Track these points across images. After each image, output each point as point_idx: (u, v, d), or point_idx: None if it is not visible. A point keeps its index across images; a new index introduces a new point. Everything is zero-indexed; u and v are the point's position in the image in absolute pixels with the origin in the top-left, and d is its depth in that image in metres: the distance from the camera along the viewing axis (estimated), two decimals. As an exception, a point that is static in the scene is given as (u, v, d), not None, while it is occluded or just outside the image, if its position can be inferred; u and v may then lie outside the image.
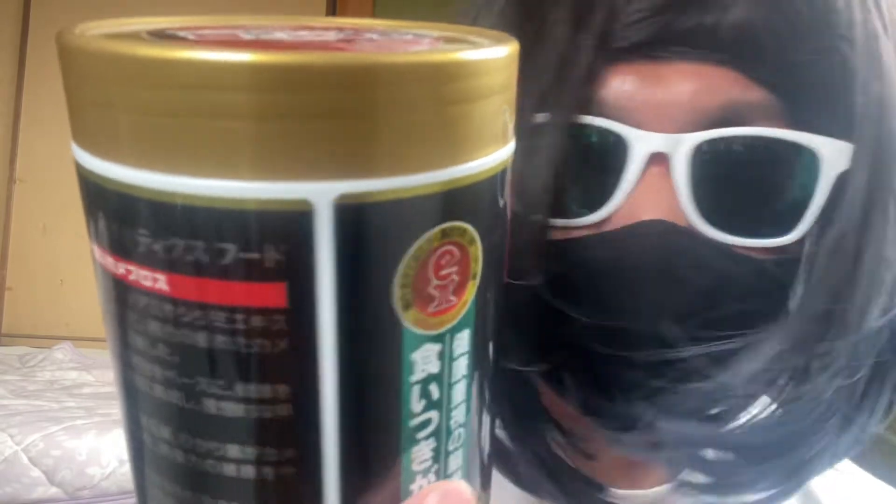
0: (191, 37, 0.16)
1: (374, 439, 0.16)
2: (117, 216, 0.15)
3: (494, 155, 0.17)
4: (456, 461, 0.18)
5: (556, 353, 0.32)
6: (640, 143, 0.30)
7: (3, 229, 2.19)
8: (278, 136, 0.14)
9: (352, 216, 0.15)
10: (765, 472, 0.33)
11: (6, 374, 1.90)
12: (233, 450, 0.16)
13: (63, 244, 2.16)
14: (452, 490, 0.17)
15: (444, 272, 0.16)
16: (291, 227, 0.14)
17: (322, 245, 0.15)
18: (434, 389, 0.17)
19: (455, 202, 0.16)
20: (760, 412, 0.33)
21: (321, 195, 0.14)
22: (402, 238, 0.15)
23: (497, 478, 0.35)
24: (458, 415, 0.18)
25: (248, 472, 0.16)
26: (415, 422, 0.17)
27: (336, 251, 0.15)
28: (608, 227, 0.31)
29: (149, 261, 0.15)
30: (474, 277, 0.17)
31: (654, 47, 0.30)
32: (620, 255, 0.31)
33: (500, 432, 0.35)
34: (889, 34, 0.30)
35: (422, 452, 0.17)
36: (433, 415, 0.17)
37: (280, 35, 0.17)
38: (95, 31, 0.17)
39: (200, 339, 0.15)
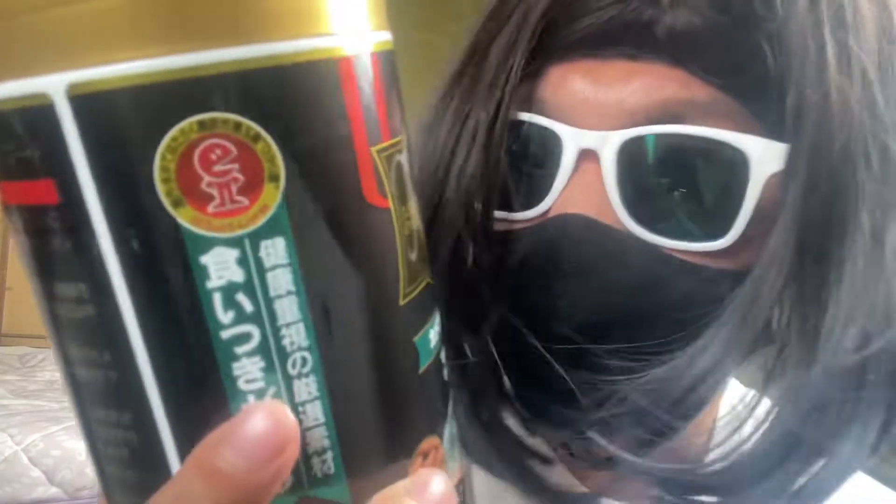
0: None
1: (181, 344, 0.16)
2: None
3: (267, 45, 0.15)
4: (306, 389, 0.17)
5: (500, 345, 0.32)
6: (572, 140, 0.30)
7: (3, 229, 2.19)
8: (11, 32, 0.14)
9: (89, 105, 0.15)
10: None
11: (6, 374, 1.90)
12: (73, 350, 0.17)
13: (63, 244, 2.15)
14: (264, 407, 0.16)
15: (217, 168, 0.15)
16: (39, 122, 0.15)
17: (71, 138, 0.15)
18: (244, 300, 0.16)
19: (212, 91, 0.15)
20: (735, 447, 0.30)
21: (54, 87, 0.15)
22: (150, 128, 0.15)
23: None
24: (294, 335, 0.16)
25: (86, 374, 0.17)
26: (227, 334, 0.16)
27: (85, 144, 0.15)
28: (540, 222, 0.31)
29: None
30: (274, 179, 0.16)
31: (593, 45, 0.30)
32: (537, 248, 0.31)
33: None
34: (832, 33, 0.28)
35: (246, 370, 0.16)
36: (250, 328, 0.16)
37: None
38: None
39: (24, 242, 0.16)
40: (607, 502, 0.36)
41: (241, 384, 0.16)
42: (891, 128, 0.28)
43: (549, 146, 0.31)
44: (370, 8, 0.18)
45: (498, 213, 0.32)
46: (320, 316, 0.17)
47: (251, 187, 0.15)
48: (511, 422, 0.34)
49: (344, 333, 0.17)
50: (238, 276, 0.16)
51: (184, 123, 0.15)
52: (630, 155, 0.29)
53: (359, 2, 0.17)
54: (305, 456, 0.17)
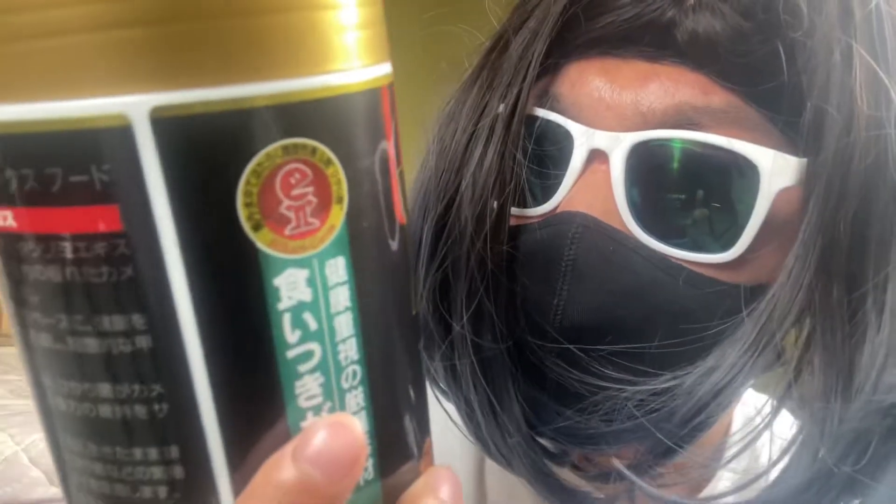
0: None
1: (246, 369, 0.16)
2: None
3: (340, 75, 0.16)
4: (355, 400, 0.17)
5: (505, 342, 0.31)
6: (584, 139, 0.30)
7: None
8: (87, 49, 0.14)
9: (172, 129, 0.14)
10: None
11: (6, 374, 1.90)
12: (104, 390, 0.16)
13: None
14: (339, 423, 0.16)
15: (296, 192, 0.15)
16: (112, 144, 0.14)
17: (148, 162, 0.14)
18: (310, 319, 0.16)
19: (295, 117, 0.15)
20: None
21: (136, 108, 0.14)
22: (237, 153, 0.15)
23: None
24: (348, 349, 0.17)
25: (121, 412, 0.16)
26: (292, 353, 0.16)
27: (164, 168, 0.14)
28: (545, 219, 0.31)
29: None
30: (340, 202, 0.16)
31: (613, 43, 0.30)
32: (539, 244, 0.31)
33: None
34: (862, 50, 0.26)
35: (307, 387, 0.16)
36: (313, 347, 0.16)
37: None
38: None
39: (52, 274, 0.15)
40: None
41: (301, 401, 0.17)
42: None
43: (561, 144, 0.31)
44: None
45: (512, 210, 0.32)
46: (368, 329, 0.17)
47: (322, 209, 0.16)
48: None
49: (383, 344, 0.18)
50: (307, 295, 0.16)
51: (269, 148, 0.15)
52: (639, 158, 0.29)
53: (384, 34, 0.18)
54: None
